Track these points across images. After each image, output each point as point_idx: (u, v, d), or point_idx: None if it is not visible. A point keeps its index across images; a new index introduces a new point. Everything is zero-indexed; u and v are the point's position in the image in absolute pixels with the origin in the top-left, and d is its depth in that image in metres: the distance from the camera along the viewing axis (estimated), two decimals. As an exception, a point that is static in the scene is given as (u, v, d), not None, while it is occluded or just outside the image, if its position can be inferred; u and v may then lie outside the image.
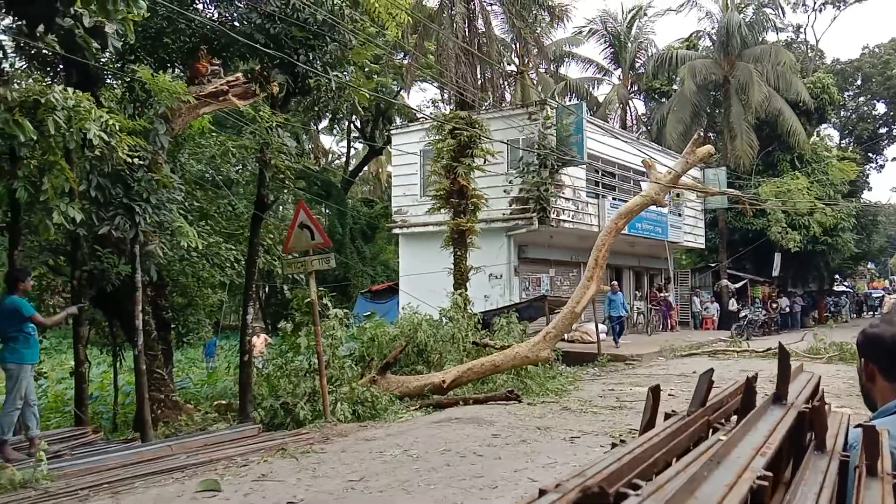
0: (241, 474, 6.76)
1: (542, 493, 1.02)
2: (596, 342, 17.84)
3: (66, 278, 10.50)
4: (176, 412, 10.18)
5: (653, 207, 24.07)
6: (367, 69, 15.27)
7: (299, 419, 9.59)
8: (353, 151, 43.51)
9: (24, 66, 10.26)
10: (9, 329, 7.83)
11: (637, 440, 1.50)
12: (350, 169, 40.69)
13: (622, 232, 15.45)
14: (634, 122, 39.94)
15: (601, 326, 19.15)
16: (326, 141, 44.49)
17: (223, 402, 12.20)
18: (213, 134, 14.28)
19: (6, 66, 9.07)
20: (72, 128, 7.99)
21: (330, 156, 44.84)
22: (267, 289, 24.96)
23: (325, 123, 37.15)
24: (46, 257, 10.76)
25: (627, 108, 38.91)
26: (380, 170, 44.38)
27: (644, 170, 18.29)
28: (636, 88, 39.23)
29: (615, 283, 21.57)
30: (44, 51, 10.08)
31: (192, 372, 17.06)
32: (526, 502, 1.00)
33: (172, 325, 12.09)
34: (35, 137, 7.84)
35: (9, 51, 9.40)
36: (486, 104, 21.81)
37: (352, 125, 38.93)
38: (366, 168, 42.48)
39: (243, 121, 12.81)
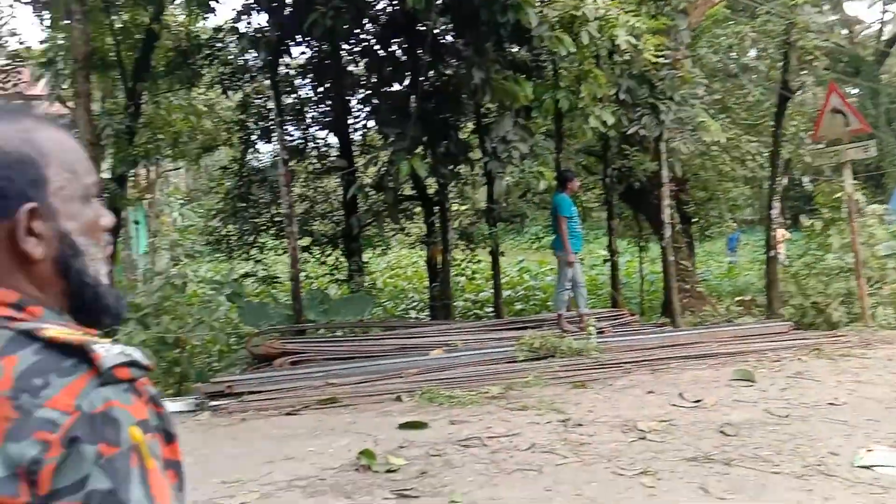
0: (774, 369, 6.74)
1: None
2: None
3: (597, 176, 11.64)
4: (700, 302, 10.59)
5: None
6: None
7: (832, 321, 8.99)
8: (888, 16, 36.63)
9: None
10: (556, 222, 9.05)
11: None
12: (885, 38, 34.47)
13: None
14: None
15: None
16: (853, 8, 38.38)
17: (745, 297, 12.16)
18: (729, 22, 13.68)
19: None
20: (603, 36, 8.62)
21: (858, 25, 38.66)
22: (785, 181, 23.46)
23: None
24: (581, 158, 12.04)
25: None
26: (928, 33, 36.48)
27: None
28: None
29: None
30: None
31: (711, 265, 17.33)
32: None
33: (694, 219, 12.43)
34: (573, 50, 8.71)
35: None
36: None
37: (890, -17, 32.63)
38: (908, 34, 35.43)
39: (758, 2, 11.95)
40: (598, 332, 8.08)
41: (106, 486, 0.74)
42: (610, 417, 5.51)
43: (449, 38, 9.73)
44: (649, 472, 4.32)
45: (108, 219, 0.94)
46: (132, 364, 0.80)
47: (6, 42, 9.67)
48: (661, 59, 8.98)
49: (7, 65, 9.79)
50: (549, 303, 12.38)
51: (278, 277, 11.59)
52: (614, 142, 10.56)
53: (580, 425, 5.33)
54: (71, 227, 0.88)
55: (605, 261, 12.14)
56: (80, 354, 0.78)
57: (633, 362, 7.16)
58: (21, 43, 10.00)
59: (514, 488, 4.22)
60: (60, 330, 0.81)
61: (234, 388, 6.46)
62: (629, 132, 9.67)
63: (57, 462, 0.73)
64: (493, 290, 11.09)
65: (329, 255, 11.50)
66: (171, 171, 16.22)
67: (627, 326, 9.07)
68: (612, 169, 10.62)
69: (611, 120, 8.93)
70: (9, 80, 9.70)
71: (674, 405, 5.75)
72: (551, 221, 9.33)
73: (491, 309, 11.88)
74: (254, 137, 11.26)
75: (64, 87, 9.65)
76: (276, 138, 9.32)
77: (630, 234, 13.56)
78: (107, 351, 0.79)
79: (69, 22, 8.22)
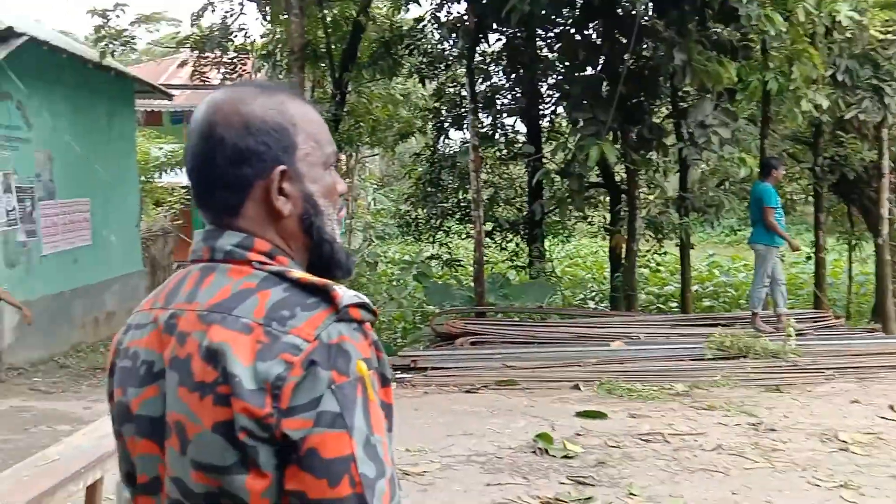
0: None
1: None
2: None
3: (805, 165, 10.69)
4: (921, 309, 9.44)
5: None
6: None
7: None
8: None
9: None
10: (757, 213, 8.44)
11: None
12: None
13: None
14: None
15: None
16: None
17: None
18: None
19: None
20: (821, 12, 7.89)
21: None
22: None
23: None
24: (787, 145, 11.13)
25: None
26: None
27: None
28: None
29: None
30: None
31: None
32: None
33: (920, 216, 11.06)
34: (784, 29, 8.05)
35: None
36: None
37: None
38: None
39: None
40: (798, 334, 7.47)
41: (335, 408, 0.85)
42: (807, 425, 5.13)
43: (647, 18, 9.39)
44: (850, 486, 3.98)
45: (342, 185, 1.06)
46: (363, 306, 0.91)
47: (235, 36, 10.77)
48: (888, 36, 8.07)
49: (234, 57, 10.89)
50: (741, 301, 11.65)
51: (461, 261, 11.94)
52: (827, 127, 9.65)
53: (773, 430, 5.01)
54: (313, 189, 1.00)
55: (808, 258, 11.18)
56: (321, 294, 0.90)
57: (837, 368, 6.58)
58: (246, 37, 11.09)
59: (697, 488, 4.07)
60: (305, 274, 0.94)
61: (418, 362, 6.79)
62: (846, 117, 8.78)
63: (297, 381, 0.85)
64: (679, 284, 10.62)
65: (510, 241, 11.64)
66: (367, 157, 17.18)
67: (831, 330, 8.31)
68: (824, 157, 9.73)
69: (825, 103, 8.18)
70: (235, 72, 10.80)
71: (882, 417, 5.23)
72: (750, 212, 8.73)
73: (676, 304, 11.40)
74: (446, 125, 11.62)
75: (280, 77, 10.56)
76: (467, 125, 9.55)
77: (839, 230, 12.36)
78: (344, 292, 0.90)
79: (288, 16, 8.98)
